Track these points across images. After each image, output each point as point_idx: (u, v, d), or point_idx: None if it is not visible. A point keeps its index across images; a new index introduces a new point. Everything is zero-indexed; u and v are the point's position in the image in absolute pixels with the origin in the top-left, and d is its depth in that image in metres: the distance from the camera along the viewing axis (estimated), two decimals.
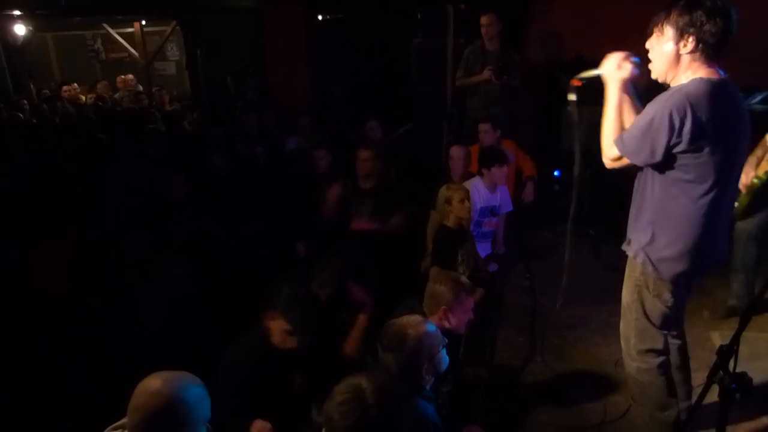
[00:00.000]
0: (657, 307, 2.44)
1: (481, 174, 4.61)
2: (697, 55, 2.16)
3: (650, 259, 2.37)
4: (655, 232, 2.35)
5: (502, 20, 5.56)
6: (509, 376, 3.53)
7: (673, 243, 2.31)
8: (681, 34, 2.15)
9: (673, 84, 2.26)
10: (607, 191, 5.51)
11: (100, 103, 8.61)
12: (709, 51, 2.15)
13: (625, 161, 2.29)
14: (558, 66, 6.65)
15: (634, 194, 2.48)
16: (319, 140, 5.42)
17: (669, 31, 2.19)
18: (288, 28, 7.68)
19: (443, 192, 4.10)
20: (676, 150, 2.14)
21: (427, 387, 2.34)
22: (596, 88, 2.50)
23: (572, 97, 2.48)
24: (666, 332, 2.56)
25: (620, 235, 5.04)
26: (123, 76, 9.90)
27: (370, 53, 7.41)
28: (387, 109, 6.59)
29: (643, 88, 5.36)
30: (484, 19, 5.52)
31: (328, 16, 7.89)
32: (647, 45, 2.29)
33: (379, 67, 7.25)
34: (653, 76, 2.31)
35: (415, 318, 2.45)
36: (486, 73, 5.50)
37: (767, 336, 3.66)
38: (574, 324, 4.02)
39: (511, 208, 4.81)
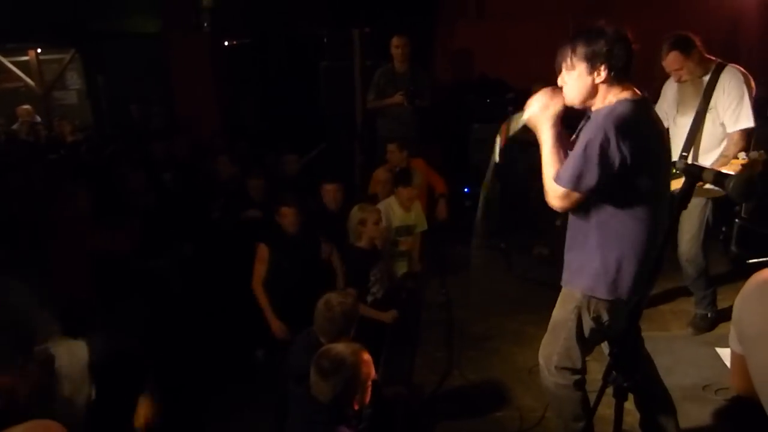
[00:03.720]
0: (592, 328, 2.44)
1: (394, 193, 4.68)
2: (612, 81, 2.21)
3: (597, 282, 2.35)
4: (601, 254, 2.32)
5: (411, 42, 5.68)
6: (428, 392, 3.55)
7: (618, 263, 2.30)
8: (592, 66, 2.19)
9: (595, 109, 2.29)
10: (515, 206, 5.73)
11: None
12: (620, 74, 2.21)
13: (575, 197, 2.23)
14: (464, 85, 6.89)
15: (570, 218, 2.46)
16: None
17: (579, 65, 2.22)
18: (193, 54, 7.54)
19: (356, 213, 4.12)
20: (615, 171, 2.15)
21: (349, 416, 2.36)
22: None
23: (497, 159, 2.48)
24: (589, 352, 2.58)
25: (529, 247, 5.28)
26: (24, 107, 9.39)
27: (278, 77, 7.40)
28: (298, 132, 6.60)
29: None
30: (395, 41, 5.61)
31: (234, 42, 7.81)
32: (559, 82, 2.30)
33: (289, 91, 7.25)
34: (568, 103, 2.32)
35: (355, 346, 2.49)
36: (398, 98, 5.58)
37: (666, 334, 3.88)
38: (489, 335, 4.11)
39: (425, 226, 4.89)
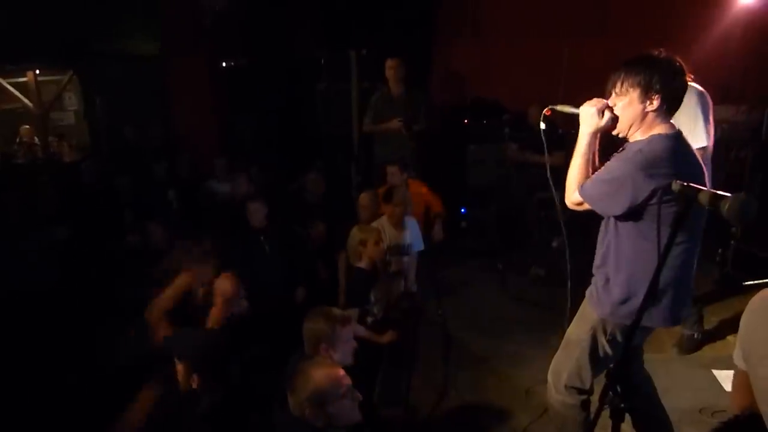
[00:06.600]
0: (606, 351, 2.44)
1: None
2: (661, 111, 2.20)
3: (619, 309, 2.35)
4: (629, 286, 2.31)
5: (406, 64, 5.72)
6: (425, 412, 3.53)
7: (644, 296, 2.19)
8: (646, 93, 2.17)
9: (631, 138, 2.28)
10: (512, 226, 5.74)
11: None
12: (670, 107, 2.21)
13: (588, 208, 2.32)
14: (460, 106, 6.93)
15: (599, 241, 2.46)
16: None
17: (633, 91, 2.19)
18: (192, 75, 7.61)
19: (356, 233, 4.09)
20: (639, 205, 2.15)
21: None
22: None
23: (542, 125, 2.48)
24: (598, 374, 2.54)
25: (526, 267, 5.26)
26: (26, 126, 9.44)
27: (276, 98, 7.44)
28: (295, 153, 6.63)
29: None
30: (390, 63, 5.62)
31: (232, 63, 7.87)
32: (609, 102, 2.29)
33: (286, 112, 7.29)
34: (614, 131, 2.32)
35: (326, 362, 2.42)
36: (395, 124, 5.59)
37: (662, 356, 3.87)
38: (486, 356, 4.10)
39: (422, 246, 4.87)
